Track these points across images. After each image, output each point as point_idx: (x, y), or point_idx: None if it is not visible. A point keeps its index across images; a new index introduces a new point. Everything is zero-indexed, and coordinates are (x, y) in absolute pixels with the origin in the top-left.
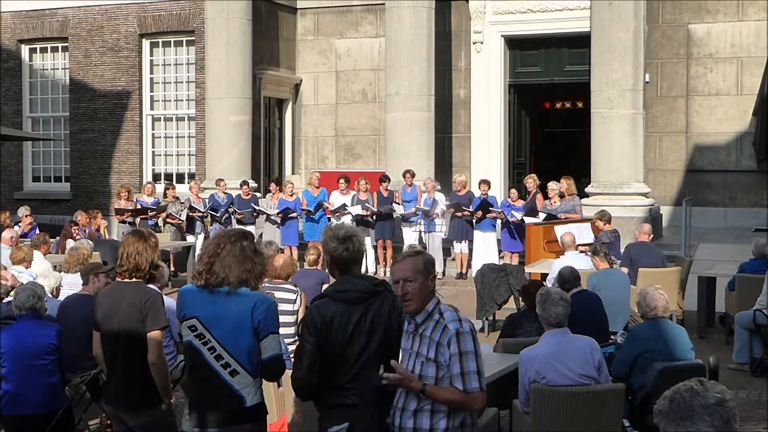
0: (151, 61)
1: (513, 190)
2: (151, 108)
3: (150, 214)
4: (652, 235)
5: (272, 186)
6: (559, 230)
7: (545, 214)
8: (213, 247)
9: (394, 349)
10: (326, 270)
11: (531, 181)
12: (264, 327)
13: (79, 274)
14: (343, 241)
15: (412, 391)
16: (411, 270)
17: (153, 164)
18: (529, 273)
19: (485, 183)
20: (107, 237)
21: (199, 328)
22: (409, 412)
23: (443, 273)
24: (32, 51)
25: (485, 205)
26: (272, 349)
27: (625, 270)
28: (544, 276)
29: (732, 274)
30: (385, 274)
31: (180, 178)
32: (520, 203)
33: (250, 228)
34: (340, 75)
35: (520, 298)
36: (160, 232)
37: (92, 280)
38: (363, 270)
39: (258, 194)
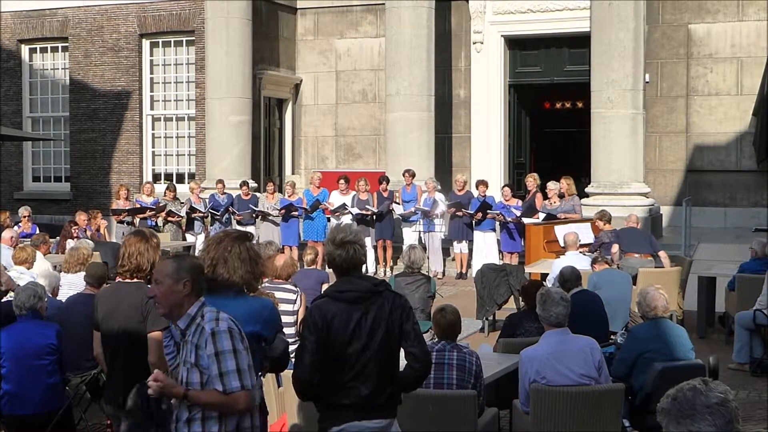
0: (151, 61)
1: (506, 189)
2: (151, 108)
3: (148, 213)
4: (639, 224)
5: (269, 186)
6: (559, 230)
7: (544, 214)
8: (216, 248)
9: (395, 348)
10: (326, 269)
11: (531, 181)
12: (270, 331)
13: (78, 274)
14: (338, 247)
15: (178, 399)
16: (160, 272)
17: (153, 164)
18: (529, 273)
19: (483, 184)
20: (107, 237)
21: None
22: (183, 422)
23: (443, 273)
24: (32, 51)
25: (485, 206)
26: (281, 345)
27: (615, 248)
28: (544, 276)
29: (732, 274)
30: (385, 274)
31: (180, 178)
32: (515, 202)
33: (250, 228)
34: (340, 75)
35: (520, 298)
36: (161, 231)
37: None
38: (363, 270)
39: (258, 194)
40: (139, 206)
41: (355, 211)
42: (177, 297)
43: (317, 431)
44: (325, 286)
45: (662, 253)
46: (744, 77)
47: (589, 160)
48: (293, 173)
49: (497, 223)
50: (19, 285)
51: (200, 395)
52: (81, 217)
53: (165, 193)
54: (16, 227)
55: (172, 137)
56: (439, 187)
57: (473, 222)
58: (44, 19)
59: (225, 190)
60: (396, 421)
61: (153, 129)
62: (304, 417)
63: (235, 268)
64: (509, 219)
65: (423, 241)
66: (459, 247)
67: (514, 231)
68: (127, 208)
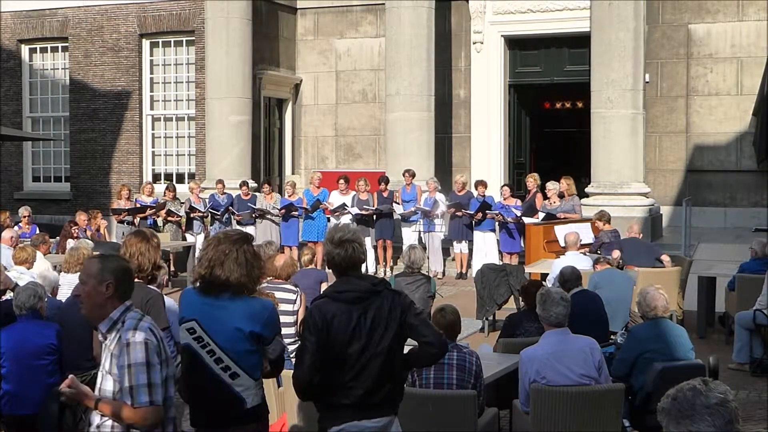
0: (151, 61)
1: (505, 188)
2: (151, 108)
3: (148, 212)
4: (641, 234)
5: (265, 187)
6: (559, 230)
7: (544, 214)
8: (214, 250)
9: (395, 347)
10: (325, 269)
11: (531, 181)
12: (270, 332)
13: (78, 274)
14: (337, 245)
15: (90, 407)
16: (84, 273)
17: (153, 164)
18: (529, 273)
19: (482, 184)
20: (107, 237)
21: (198, 331)
22: (94, 428)
23: (443, 273)
24: (32, 51)
25: (485, 206)
26: (279, 347)
27: (616, 254)
28: (544, 276)
29: (732, 274)
30: (385, 274)
31: (180, 178)
32: (514, 201)
33: (250, 228)
34: (340, 75)
35: (520, 298)
36: (161, 231)
37: None
38: (363, 270)
39: (257, 194)
40: (139, 206)
41: (355, 211)
42: (99, 299)
43: (317, 431)
44: (324, 286)
45: (665, 257)
46: (744, 77)
47: (589, 160)
48: (293, 173)
49: (497, 223)
50: (18, 285)
51: (109, 407)
52: (81, 217)
53: (165, 193)
54: (16, 227)
55: (172, 137)
56: (440, 187)
57: (473, 222)
58: (44, 19)
59: (225, 190)
60: (396, 419)
61: (153, 129)
62: (304, 417)
63: (232, 270)
64: (509, 219)
65: (423, 241)
66: (459, 247)
67: (513, 231)
68: (126, 207)
